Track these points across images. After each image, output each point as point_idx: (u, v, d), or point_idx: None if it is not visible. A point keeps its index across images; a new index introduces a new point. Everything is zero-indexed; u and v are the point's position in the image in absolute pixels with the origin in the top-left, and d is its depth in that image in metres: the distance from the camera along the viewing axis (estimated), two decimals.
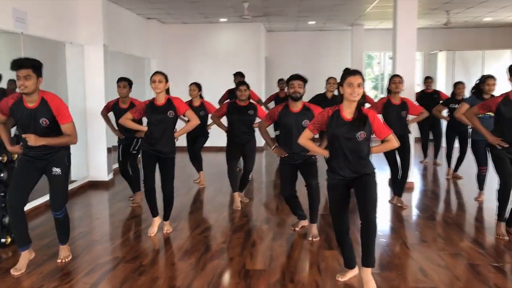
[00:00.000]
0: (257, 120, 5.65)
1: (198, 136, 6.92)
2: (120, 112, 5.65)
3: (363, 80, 3.35)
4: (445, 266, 3.93)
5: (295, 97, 4.46)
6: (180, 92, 7.29)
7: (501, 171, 4.59)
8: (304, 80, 4.51)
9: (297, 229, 4.96)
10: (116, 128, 5.90)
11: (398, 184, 5.88)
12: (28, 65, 3.57)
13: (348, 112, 3.38)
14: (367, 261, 3.37)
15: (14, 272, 3.81)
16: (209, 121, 6.83)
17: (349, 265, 3.68)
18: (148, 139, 4.68)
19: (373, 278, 3.43)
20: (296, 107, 4.54)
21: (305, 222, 4.96)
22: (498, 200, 4.65)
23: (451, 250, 4.34)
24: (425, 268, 3.90)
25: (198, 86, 6.83)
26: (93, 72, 7.04)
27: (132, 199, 6.13)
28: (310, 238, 4.62)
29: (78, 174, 7.06)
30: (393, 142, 3.47)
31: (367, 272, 3.40)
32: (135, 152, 5.97)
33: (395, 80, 5.64)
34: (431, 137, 8.79)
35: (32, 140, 3.61)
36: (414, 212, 5.75)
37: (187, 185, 7.20)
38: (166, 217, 4.96)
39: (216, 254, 4.28)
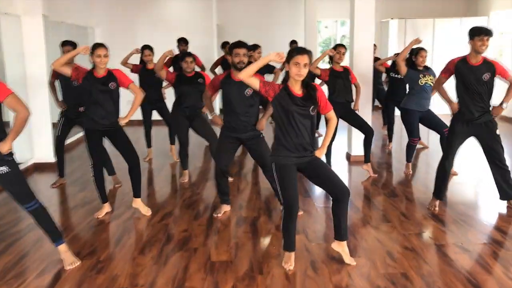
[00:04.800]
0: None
1: (156, 104, 6.73)
2: (65, 77, 5.30)
3: (311, 60, 3.24)
4: (412, 249, 3.92)
5: (240, 67, 4.11)
6: (130, 61, 6.96)
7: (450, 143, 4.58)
8: (248, 48, 4.27)
9: (219, 215, 4.69)
10: (61, 99, 5.70)
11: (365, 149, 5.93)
12: None
13: (297, 88, 3.29)
14: (345, 236, 3.58)
15: None
16: (164, 83, 6.63)
17: (292, 247, 3.57)
18: (91, 112, 4.44)
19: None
20: None
21: (227, 207, 4.79)
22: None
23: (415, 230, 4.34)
24: (393, 252, 3.87)
25: (151, 49, 6.67)
26: (33, 45, 6.42)
27: (55, 186, 5.86)
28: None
29: (21, 156, 6.51)
30: (334, 119, 3.50)
31: (344, 244, 3.62)
32: None
33: (340, 50, 5.62)
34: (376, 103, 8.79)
35: (5, 148, 3.21)
36: (373, 187, 5.73)
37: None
38: (138, 194, 4.72)
39: (178, 245, 4.07)
